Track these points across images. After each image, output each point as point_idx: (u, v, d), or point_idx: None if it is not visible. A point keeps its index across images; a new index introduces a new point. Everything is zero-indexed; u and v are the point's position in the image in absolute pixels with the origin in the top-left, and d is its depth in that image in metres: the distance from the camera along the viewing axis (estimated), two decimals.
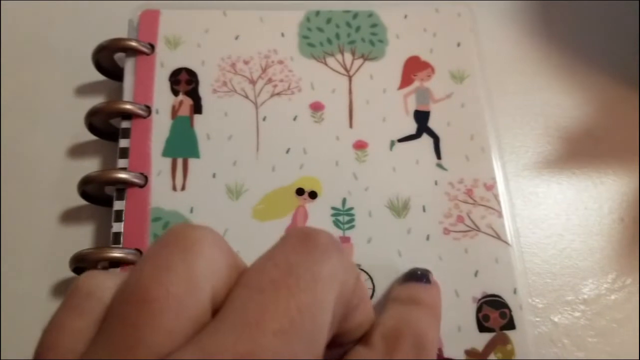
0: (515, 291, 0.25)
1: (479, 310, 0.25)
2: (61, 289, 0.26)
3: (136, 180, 0.26)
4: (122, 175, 0.25)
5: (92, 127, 0.27)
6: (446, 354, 0.24)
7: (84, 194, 0.26)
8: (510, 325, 0.25)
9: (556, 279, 0.29)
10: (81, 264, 0.24)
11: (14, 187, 0.28)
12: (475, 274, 0.26)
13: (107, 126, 0.28)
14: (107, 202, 0.26)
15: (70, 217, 0.28)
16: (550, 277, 0.28)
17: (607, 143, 0.32)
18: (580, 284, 0.29)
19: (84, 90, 0.31)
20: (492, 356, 0.24)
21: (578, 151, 0.31)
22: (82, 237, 0.27)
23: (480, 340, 0.24)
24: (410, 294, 0.23)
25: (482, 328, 0.25)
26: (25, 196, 0.28)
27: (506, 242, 0.26)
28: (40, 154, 0.29)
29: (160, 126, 0.27)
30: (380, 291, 0.25)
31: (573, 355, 0.27)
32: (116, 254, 0.24)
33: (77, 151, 0.29)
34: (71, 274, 0.25)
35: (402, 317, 0.21)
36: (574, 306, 0.28)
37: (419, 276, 0.25)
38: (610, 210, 0.30)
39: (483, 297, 0.25)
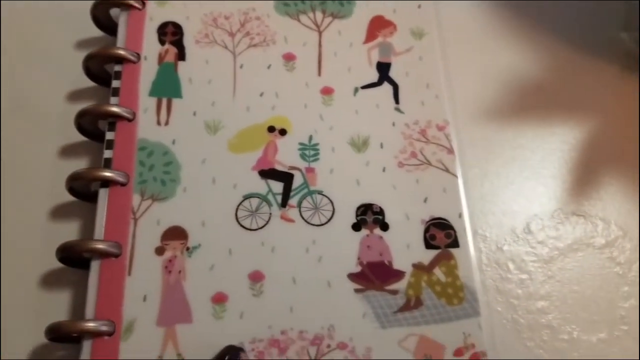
0: (460, 215, 0.30)
1: (426, 230, 0.29)
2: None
3: (125, 114, 0.30)
4: (114, 109, 0.30)
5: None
6: (396, 267, 0.28)
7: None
8: (455, 244, 0.29)
9: (506, 215, 0.33)
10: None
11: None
12: (425, 200, 0.30)
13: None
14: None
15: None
16: (499, 211, 0.33)
17: (555, 97, 0.36)
18: (527, 216, 0.33)
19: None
20: (437, 270, 0.28)
21: (527, 104, 0.36)
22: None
23: (427, 256, 0.29)
24: None
25: (428, 245, 0.29)
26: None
27: (454, 175, 0.31)
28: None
29: (147, 70, 0.32)
30: (339, 214, 0.29)
31: (517, 277, 0.31)
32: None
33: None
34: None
35: None
36: (520, 235, 0.32)
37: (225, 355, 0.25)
38: (558, 155, 0.34)
39: (430, 220, 0.29)
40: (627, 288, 0.31)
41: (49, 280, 0.29)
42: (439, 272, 0.28)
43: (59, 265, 0.28)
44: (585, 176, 0.34)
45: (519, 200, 0.33)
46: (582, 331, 0.30)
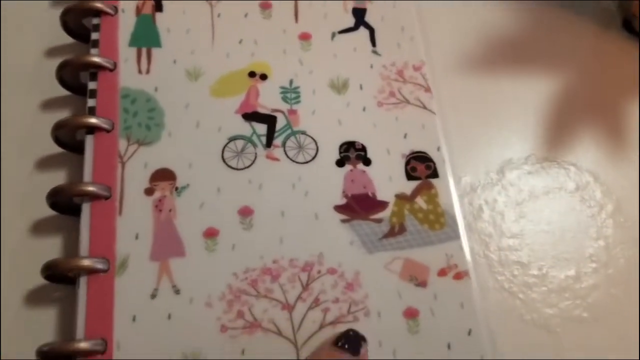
0: (438, 149, 0.31)
1: (407, 163, 0.31)
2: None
3: (106, 64, 0.31)
4: (95, 59, 0.31)
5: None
6: (379, 198, 0.30)
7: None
8: (435, 175, 0.31)
9: (480, 158, 0.34)
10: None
11: None
12: (405, 136, 0.32)
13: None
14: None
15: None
16: (474, 155, 0.34)
17: (533, 51, 0.38)
18: (501, 160, 0.35)
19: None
20: (418, 199, 0.30)
21: (505, 56, 0.37)
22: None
23: (409, 187, 0.30)
24: None
25: (410, 177, 0.31)
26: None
27: (431, 112, 0.32)
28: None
29: (126, 22, 0.33)
30: (322, 152, 0.31)
31: (489, 216, 0.33)
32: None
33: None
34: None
35: None
36: (493, 178, 0.34)
37: (349, 342, 0.25)
38: (533, 105, 0.36)
39: (411, 154, 0.31)
40: (596, 229, 0.33)
41: (41, 228, 0.30)
42: (420, 201, 0.30)
43: (50, 212, 0.29)
44: (558, 125, 0.36)
45: (494, 145, 0.35)
46: (552, 267, 0.32)
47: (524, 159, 0.35)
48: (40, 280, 0.28)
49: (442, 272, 0.28)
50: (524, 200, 0.34)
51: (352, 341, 0.26)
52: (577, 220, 0.34)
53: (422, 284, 0.28)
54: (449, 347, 0.27)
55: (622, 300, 0.32)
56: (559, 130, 0.36)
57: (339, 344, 0.25)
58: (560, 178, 0.35)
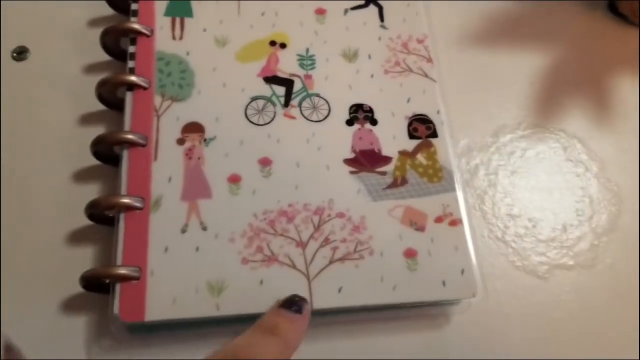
0: (438, 112, 0.31)
1: (409, 124, 0.31)
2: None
3: (144, 30, 0.31)
4: (134, 26, 0.31)
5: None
6: (384, 154, 0.30)
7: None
8: (434, 135, 0.30)
9: (475, 123, 0.34)
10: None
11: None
12: (408, 101, 0.31)
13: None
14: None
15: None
16: (470, 120, 0.34)
17: (528, 29, 0.37)
18: (496, 125, 0.34)
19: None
20: (419, 155, 0.30)
21: (501, 32, 0.37)
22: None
23: (410, 145, 0.30)
24: (274, 322, 0.24)
25: (411, 136, 0.30)
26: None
27: (432, 79, 0.32)
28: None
29: None
30: (334, 112, 0.30)
31: (483, 174, 0.32)
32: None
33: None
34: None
35: (248, 344, 0.22)
36: (488, 140, 0.33)
37: (292, 304, 0.25)
38: (526, 76, 0.36)
39: (413, 116, 0.31)
40: (581, 187, 0.33)
41: (81, 176, 0.30)
42: (421, 157, 0.30)
43: (93, 161, 0.29)
44: (549, 95, 0.36)
45: (490, 111, 0.35)
46: (541, 220, 0.32)
47: (517, 124, 0.35)
48: (84, 222, 0.28)
49: (438, 219, 0.28)
50: (516, 160, 0.34)
51: (296, 303, 0.25)
52: (564, 179, 0.33)
53: (420, 228, 0.28)
54: (443, 284, 0.27)
55: (604, 250, 0.32)
56: (549, 100, 0.36)
57: (286, 306, 0.25)
58: (549, 142, 0.34)
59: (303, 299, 0.25)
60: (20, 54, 0.33)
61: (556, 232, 0.32)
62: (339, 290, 0.26)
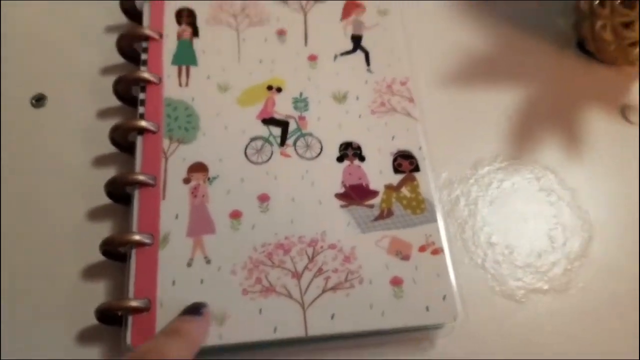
0: (420, 149, 0.32)
1: (394, 160, 0.32)
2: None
3: (153, 79, 0.32)
4: (144, 75, 0.32)
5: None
6: (371, 188, 0.31)
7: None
8: (417, 169, 0.32)
9: (456, 157, 0.35)
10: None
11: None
12: (392, 138, 0.33)
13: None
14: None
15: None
16: (450, 154, 0.35)
17: (502, 68, 0.39)
18: (475, 158, 0.35)
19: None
20: (403, 189, 0.31)
21: (478, 72, 0.38)
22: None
23: (395, 179, 0.31)
24: (176, 326, 0.25)
25: (396, 171, 0.32)
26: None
27: (415, 118, 0.33)
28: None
29: (169, 46, 0.34)
30: (326, 150, 0.32)
31: (464, 205, 0.34)
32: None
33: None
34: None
35: (155, 346, 0.23)
36: (467, 172, 0.35)
37: (192, 310, 0.27)
38: (502, 112, 0.37)
39: (397, 152, 0.32)
40: (554, 215, 0.34)
41: (96, 214, 0.31)
42: (405, 191, 0.31)
43: (106, 201, 0.31)
44: (522, 129, 0.37)
45: (468, 146, 0.36)
46: (517, 247, 0.33)
47: (494, 157, 0.36)
48: (98, 257, 0.29)
49: (422, 248, 0.29)
50: (494, 191, 0.35)
51: (196, 308, 0.27)
52: (538, 208, 0.34)
53: (405, 257, 0.29)
54: (427, 309, 0.28)
55: (577, 275, 0.33)
56: (523, 134, 0.37)
57: (187, 312, 0.26)
58: (524, 173, 0.35)
59: (202, 304, 0.27)
60: (39, 100, 0.35)
61: (531, 258, 0.33)
62: (332, 317, 0.27)
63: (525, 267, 0.32)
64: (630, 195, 0.35)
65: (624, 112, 0.38)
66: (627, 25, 0.35)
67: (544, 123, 0.38)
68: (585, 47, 0.40)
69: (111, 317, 0.27)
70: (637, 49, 0.36)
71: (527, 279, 0.32)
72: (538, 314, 0.31)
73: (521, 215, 0.34)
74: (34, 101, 0.35)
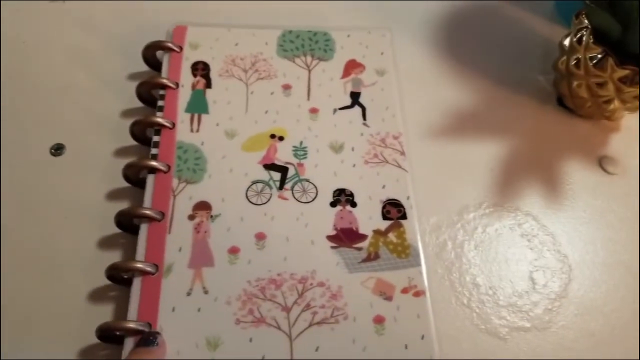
0: (408, 198, 0.36)
1: (384, 207, 0.36)
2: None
3: (167, 124, 0.37)
4: (159, 120, 0.37)
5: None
6: (361, 232, 0.34)
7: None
8: (404, 217, 0.35)
9: (443, 205, 0.39)
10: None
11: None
12: (383, 187, 0.36)
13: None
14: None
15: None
16: (438, 202, 0.39)
17: (486, 123, 0.43)
18: (460, 205, 0.39)
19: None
20: (390, 234, 0.34)
21: (463, 126, 0.43)
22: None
23: (383, 225, 0.35)
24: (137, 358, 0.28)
25: (385, 218, 0.35)
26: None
27: (405, 170, 0.37)
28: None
29: (184, 94, 0.39)
30: (321, 195, 0.36)
31: (451, 248, 0.37)
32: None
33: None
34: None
35: None
36: (454, 218, 0.38)
37: (147, 341, 0.29)
38: (486, 163, 0.41)
39: (387, 200, 0.36)
40: (535, 258, 0.37)
41: (105, 243, 0.35)
42: (392, 236, 0.35)
43: (115, 230, 0.34)
44: (505, 178, 0.41)
45: (455, 193, 0.39)
46: (500, 288, 0.36)
47: (479, 204, 0.39)
48: (104, 281, 0.32)
49: (404, 290, 0.32)
50: (479, 235, 0.38)
51: (149, 339, 0.29)
52: (521, 252, 0.37)
53: (388, 298, 0.32)
54: (406, 347, 0.31)
55: (557, 314, 0.35)
56: (506, 182, 0.41)
57: (142, 344, 0.29)
58: (507, 219, 0.39)
59: (155, 332, 0.29)
60: (58, 149, 0.38)
61: (514, 298, 0.36)
62: (316, 350, 0.30)
63: (509, 307, 0.35)
64: (607, 240, 0.39)
65: (601, 162, 0.42)
66: (601, 84, 0.39)
67: (527, 173, 0.41)
68: (565, 103, 0.44)
69: (112, 337, 0.30)
70: (612, 106, 0.40)
71: (510, 318, 0.35)
72: (521, 350, 0.34)
73: (504, 258, 0.37)
74: (53, 150, 0.38)
